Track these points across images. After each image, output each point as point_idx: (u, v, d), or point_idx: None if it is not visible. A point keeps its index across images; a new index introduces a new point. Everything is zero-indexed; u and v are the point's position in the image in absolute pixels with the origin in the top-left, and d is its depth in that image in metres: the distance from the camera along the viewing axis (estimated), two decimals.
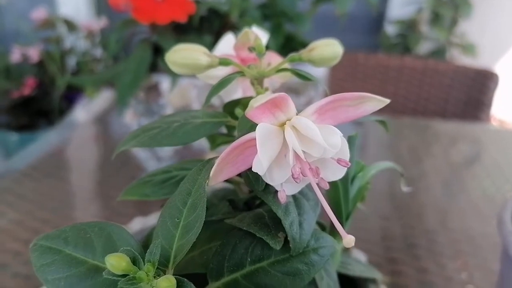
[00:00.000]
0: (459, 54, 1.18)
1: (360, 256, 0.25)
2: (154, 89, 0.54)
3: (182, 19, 0.48)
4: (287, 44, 0.70)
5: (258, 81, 0.19)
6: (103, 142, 0.78)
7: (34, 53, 1.45)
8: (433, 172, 0.67)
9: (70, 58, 1.53)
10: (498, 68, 1.35)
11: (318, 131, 0.14)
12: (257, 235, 0.15)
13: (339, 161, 0.15)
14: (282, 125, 0.15)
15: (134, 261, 0.12)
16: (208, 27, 0.56)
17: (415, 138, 0.80)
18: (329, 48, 0.20)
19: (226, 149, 0.15)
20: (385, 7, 1.42)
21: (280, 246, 0.15)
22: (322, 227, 0.21)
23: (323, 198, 0.15)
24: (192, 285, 0.12)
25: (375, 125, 0.83)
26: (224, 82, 0.17)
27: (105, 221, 0.15)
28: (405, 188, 0.24)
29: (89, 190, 0.60)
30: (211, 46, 0.53)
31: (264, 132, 0.14)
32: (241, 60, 0.21)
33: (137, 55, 0.52)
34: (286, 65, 0.21)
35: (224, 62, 0.19)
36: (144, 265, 0.12)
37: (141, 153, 0.61)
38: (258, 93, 0.19)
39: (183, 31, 0.55)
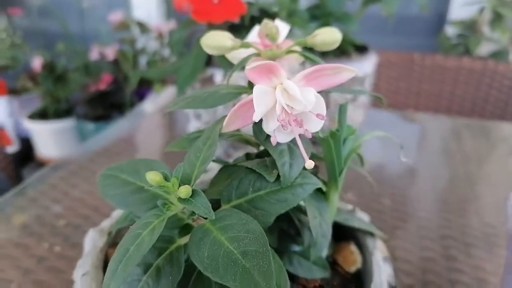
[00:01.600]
0: None
1: (364, 216, 0.29)
2: (209, 81, 0.61)
3: (235, 19, 0.54)
4: None
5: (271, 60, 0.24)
6: (167, 130, 0.87)
7: (110, 52, 1.61)
8: (490, 176, 0.67)
9: (142, 57, 1.68)
10: None
11: (298, 90, 0.19)
12: (257, 171, 0.20)
13: (317, 115, 0.19)
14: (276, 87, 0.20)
15: (166, 178, 0.18)
16: None
17: (473, 140, 0.79)
18: (329, 34, 0.24)
19: (235, 106, 0.20)
20: (446, 8, 1.39)
21: (273, 179, 0.20)
22: (324, 182, 0.25)
23: (300, 143, 0.19)
24: (202, 193, 0.18)
25: (432, 125, 0.84)
26: (244, 60, 0.23)
27: (150, 159, 0.21)
28: (404, 159, 0.28)
29: None
30: None
31: (258, 91, 0.19)
32: (264, 46, 0.26)
33: (196, 51, 0.59)
34: (296, 48, 0.25)
35: (244, 45, 0.24)
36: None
37: None
38: None
39: (236, 30, 0.61)
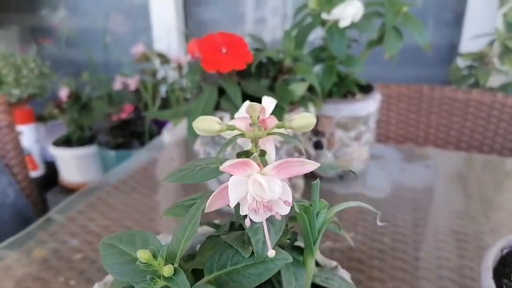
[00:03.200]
0: None
1: (345, 275, 0.32)
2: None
3: (242, 67, 0.58)
4: (341, 83, 0.77)
5: (254, 141, 0.28)
6: (184, 162, 0.92)
7: (132, 82, 1.70)
8: (503, 212, 0.68)
9: (162, 86, 1.75)
10: None
11: (265, 183, 0.22)
12: (234, 247, 0.24)
13: (284, 202, 0.23)
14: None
15: (154, 256, 0.22)
16: (265, 72, 0.66)
17: (488, 177, 0.80)
18: (303, 120, 0.28)
19: (217, 190, 0.24)
20: (459, 38, 1.41)
21: (248, 255, 0.23)
22: (300, 249, 0.29)
23: (265, 224, 0.23)
24: (182, 272, 0.21)
25: (445, 161, 0.85)
26: (230, 141, 0.26)
27: (146, 231, 0.24)
28: (380, 223, 0.30)
29: (167, 204, 0.73)
30: (268, 89, 0.63)
31: (233, 182, 0.22)
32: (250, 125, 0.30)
33: (206, 95, 0.63)
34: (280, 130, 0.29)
35: (230, 128, 0.27)
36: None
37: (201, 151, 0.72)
38: (251, 151, 0.27)
39: (244, 76, 0.65)
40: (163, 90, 1.75)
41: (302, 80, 0.64)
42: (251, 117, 0.27)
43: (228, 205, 0.24)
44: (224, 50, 0.59)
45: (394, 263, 0.56)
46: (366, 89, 0.78)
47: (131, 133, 1.57)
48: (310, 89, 0.71)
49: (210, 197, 0.23)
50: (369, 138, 0.77)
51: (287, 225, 0.30)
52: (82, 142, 1.74)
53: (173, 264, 0.21)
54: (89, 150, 1.70)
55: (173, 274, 0.21)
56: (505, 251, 0.33)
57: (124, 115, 1.57)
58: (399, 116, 1.17)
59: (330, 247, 0.59)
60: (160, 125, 1.68)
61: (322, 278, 0.30)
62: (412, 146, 0.94)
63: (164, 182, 0.27)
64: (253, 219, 0.23)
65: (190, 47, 0.67)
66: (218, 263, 0.23)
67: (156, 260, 0.21)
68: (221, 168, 0.22)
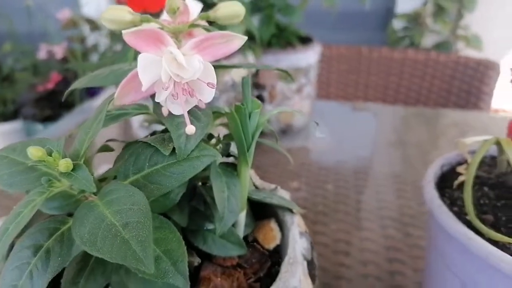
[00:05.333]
0: (464, 47, 1.19)
1: (285, 194, 0.30)
2: None
3: None
4: (281, 34, 0.74)
5: (175, 37, 0.24)
6: (118, 126, 0.85)
7: (59, 51, 1.55)
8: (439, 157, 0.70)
9: (94, 55, 1.62)
10: (505, 61, 1.34)
11: (182, 57, 0.19)
12: (152, 144, 0.20)
13: (208, 84, 0.19)
14: None
15: (50, 154, 0.18)
16: None
17: (423, 127, 0.82)
18: (230, 8, 0.24)
19: (126, 77, 0.20)
20: (394, 2, 1.44)
21: (168, 152, 0.20)
22: (234, 165, 0.26)
23: (187, 114, 0.20)
24: (84, 166, 0.17)
25: (384, 114, 0.86)
26: None
27: (46, 137, 0.20)
28: (319, 135, 0.28)
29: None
30: None
31: (143, 59, 0.19)
32: (171, 23, 0.26)
33: None
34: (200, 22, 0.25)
35: (144, 19, 0.24)
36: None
37: (135, 124, 0.67)
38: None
39: None
40: (94, 58, 1.63)
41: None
42: (166, 11, 0.23)
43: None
44: None
45: (337, 207, 0.56)
46: (306, 41, 0.76)
47: (60, 104, 1.45)
48: (250, 38, 0.68)
49: (119, 88, 0.19)
50: (310, 91, 0.75)
51: (219, 136, 0.27)
52: (5, 117, 1.58)
53: None
54: (14, 125, 1.55)
55: (73, 170, 0.17)
56: (445, 168, 0.33)
57: (50, 85, 1.44)
58: (339, 77, 1.17)
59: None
60: (93, 95, 1.56)
61: (260, 196, 0.27)
62: (353, 102, 0.94)
63: (72, 88, 0.23)
64: (172, 110, 0.20)
65: None
66: (135, 166, 0.19)
67: (52, 157, 0.17)
68: (125, 36, 0.18)
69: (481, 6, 1.17)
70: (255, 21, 0.71)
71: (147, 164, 0.20)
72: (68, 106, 1.46)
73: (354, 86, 1.18)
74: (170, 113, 0.20)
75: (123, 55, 0.57)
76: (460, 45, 1.21)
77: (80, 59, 1.53)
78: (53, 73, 1.50)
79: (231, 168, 0.25)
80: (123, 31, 0.18)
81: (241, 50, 0.57)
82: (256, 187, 0.31)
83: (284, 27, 0.74)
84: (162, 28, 0.24)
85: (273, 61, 0.70)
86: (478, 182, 0.29)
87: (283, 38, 0.74)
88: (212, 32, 0.20)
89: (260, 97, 0.72)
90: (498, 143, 0.27)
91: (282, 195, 0.29)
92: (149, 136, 0.24)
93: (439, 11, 1.11)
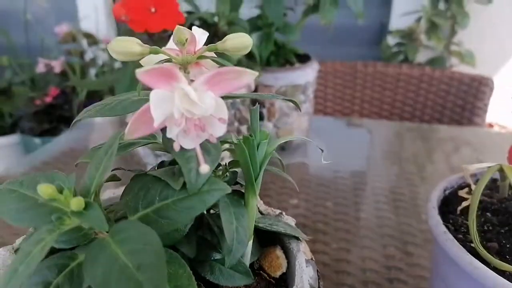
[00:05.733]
0: (458, 63, 1.21)
1: (290, 220, 0.30)
2: None
3: (172, 28, 0.54)
4: (279, 52, 0.75)
5: (183, 68, 0.24)
6: None
7: (57, 65, 1.56)
8: (435, 173, 0.70)
9: (92, 70, 1.63)
10: (499, 76, 1.36)
11: (194, 94, 0.19)
12: (162, 178, 0.20)
13: (219, 119, 0.20)
14: None
15: (60, 191, 0.18)
16: None
17: (419, 142, 0.83)
18: (238, 39, 0.25)
19: (137, 112, 0.20)
20: (388, 18, 1.46)
21: (179, 186, 0.20)
22: (241, 193, 0.26)
23: (199, 148, 0.20)
24: (96, 204, 0.17)
25: (380, 130, 0.87)
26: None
27: (54, 171, 0.20)
28: (325, 161, 0.29)
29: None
30: None
31: (155, 95, 0.19)
32: (179, 53, 0.26)
33: (135, 62, 0.58)
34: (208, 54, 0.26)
35: (153, 51, 0.24)
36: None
37: (141, 151, 0.67)
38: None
39: None
40: (92, 73, 1.63)
41: None
42: (176, 43, 0.24)
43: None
44: (153, 9, 0.54)
45: (337, 225, 0.56)
46: (303, 59, 0.77)
47: (58, 118, 1.45)
48: (249, 56, 0.69)
49: (130, 122, 0.20)
50: (308, 108, 0.76)
51: (226, 165, 0.27)
52: (3, 131, 1.57)
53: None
54: (11, 139, 1.54)
55: (85, 208, 0.17)
56: (447, 192, 0.33)
57: (49, 99, 1.44)
58: (336, 92, 1.19)
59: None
60: None
61: (266, 224, 0.27)
62: (349, 118, 0.95)
63: (77, 119, 0.23)
64: (184, 145, 0.20)
65: (115, 8, 0.61)
66: (144, 200, 0.20)
67: (62, 195, 0.17)
68: (138, 75, 0.18)
69: (473, 22, 1.19)
70: (254, 39, 0.72)
71: (157, 198, 0.20)
72: (66, 120, 1.46)
73: (350, 101, 1.19)
74: (180, 147, 0.21)
75: (123, 74, 0.58)
76: (454, 61, 1.23)
77: (78, 73, 1.53)
78: (51, 87, 1.50)
79: (238, 197, 0.25)
80: (136, 71, 0.19)
81: None
82: (261, 213, 0.31)
83: (282, 45, 0.75)
84: (170, 60, 0.24)
85: (272, 80, 0.70)
86: (481, 207, 0.30)
87: (281, 56, 0.75)
88: (223, 68, 0.20)
89: (260, 114, 0.73)
90: (501, 170, 0.28)
91: (287, 221, 0.30)
92: (157, 168, 0.24)
93: (433, 27, 1.13)
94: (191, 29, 0.60)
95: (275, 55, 0.74)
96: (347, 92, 1.19)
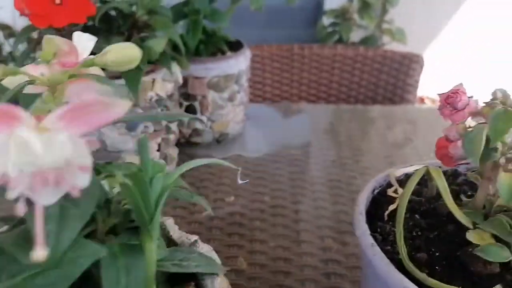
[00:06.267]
0: (390, 40, 1.24)
1: (205, 249, 0.28)
2: None
3: (81, 21, 0.48)
4: (209, 40, 0.72)
5: (51, 90, 0.21)
6: None
7: None
8: (370, 155, 0.71)
9: (10, 64, 1.48)
10: (429, 51, 1.42)
11: (36, 141, 0.15)
12: (7, 251, 0.16)
13: (80, 167, 0.16)
14: None
15: None
16: (117, 29, 0.57)
17: (354, 124, 0.83)
18: (122, 52, 0.22)
19: None
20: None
21: (29, 261, 0.15)
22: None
23: (40, 218, 0.15)
24: None
25: (317, 114, 0.87)
26: (10, 93, 0.19)
27: None
28: (240, 181, 0.27)
29: None
30: None
31: None
32: (63, 66, 0.22)
33: None
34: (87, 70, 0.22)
35: (13, 71, 0.20)
36: None
37: None
38: (47, 101, 0.20)
39: (92, 33, 0.55)
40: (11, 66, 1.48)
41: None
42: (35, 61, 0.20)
43: None
44: (57, 1, 0.48)
45: (275, 220, 0.55)
46: (235, 47, 0.74)
47: None
48: (176, 48, 0.65)
49: None
50: (243, 98, 0.74)
51: (119, 202, 0.23)
52: None
53: None
54: None
55: None
56: (376, 191, 0.32)
57: None
58: (274, 76, 1.17)
59: (209, 215, 0.56)
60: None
61: (175, 261, 0.24)
62: (287, 103, 0.94)
63: None
64: (38, 201, 0.16)
65: (16, 1, 0.54)
66: None
67: None
68: None
69: (403, 0, 1.22)
70: (180, 28, 0.68)
71: (3, 276, 0.15)
72: None
73: (289, 85, 1.18)
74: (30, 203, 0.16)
75: None
76: (386, 39, 1.26)
77: None
78: None
79: (136, 238, 0.22)
80: None
81: (165, 60, 0.53)
82: (174, 242, 0.29)
83: (212, 33, 0.72)
84: (33, 82, 0.20)
85: (203, 71, 0.67)
86: (409, 207, 0.29)
87: (211, 45, 0.71)
88: (86, 100, 0.16)
89: (191, 108, 0.69)
90: (428, 173, 0.27)
91: (203, 251, 0.27)
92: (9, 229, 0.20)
93: (365, 6, 1.14)
94: (107, 22, 0.53)
95: (205, 44, 0.71)
96: (285, 76, 1.18)
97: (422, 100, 1.42)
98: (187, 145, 0.72)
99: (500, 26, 1.60)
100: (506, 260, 0.23)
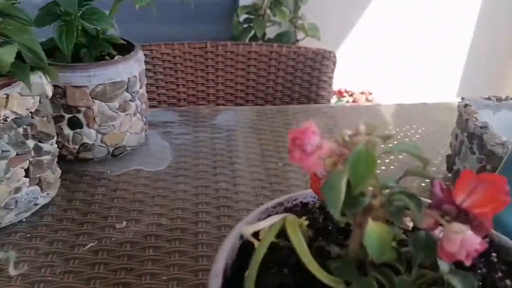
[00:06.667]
0: (304, 36, 1.22)
1: None
2: None
3: None
4: (92, 44, 0.63)
5: None
6: None
7: None
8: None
9: None
10: (343, 46, 1.43)
11: None
12: None
13: None
14: None
15: None
16: None
17: (272, 127, 0.79)
18: None
19: None
20: None
21: None
22: None
23: None
24: None
25: (232, 117, 0.81)
26: None
27: None
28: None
29: None
30: None
31: None
32: None
33: None
34: None
35: None
36: None
37: None
38: None
39: None
40: None
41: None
42: None
43: None
44: None
45: (172, 247, 0.49)
46: (126, 49, 0.66)
47: None
48: (51, 52, 0.56)
49: None
50: (139, 106, 0.66)
51: None
52: None
53: None
54: None
55: None
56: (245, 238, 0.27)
57: None
58: (187, 76, 1.10)
59: (93, 247, 0.48)
60: None
61: None
62: (196, 107, 0.88)
63: None
64: None
65: None
66: None
67: None
68: None
69: None
70: (53, 31, 0.58)
71: None
72: None
73: (204, 85, 1.12)
74: None
75: None
76: (300, 35, 1.24)
77: None
78: None
79: None
80: None
81: (20, 74, 0.44)
82: None
83: (95, 35, 0.63)
84: None
85: (83, 78, 0.58)
86: (278, 259, 0.24)
87: (95, 48, 0.62)
88: None
89: (75, 121, 0.60)
90: (283, 226, 0.22)
91: None
92: None
93: (276, 2, 1.11)
94: None
95: (87, 47, 0.62)
96: (199, 75, 1.11)
97: (340, 93, 1.43)
98: (77, 162, 0.63)
99: (413, 20, 1.67)
100: None
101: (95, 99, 0.59)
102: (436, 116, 0.81)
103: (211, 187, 0.60)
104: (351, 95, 1.48)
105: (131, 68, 0.62)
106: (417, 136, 0.76)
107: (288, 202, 0.31)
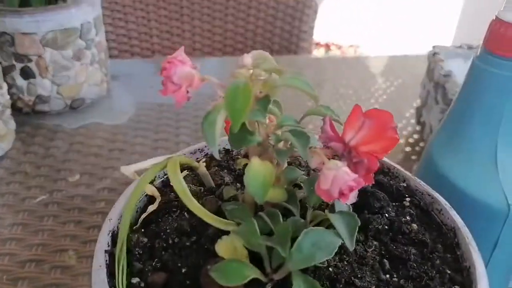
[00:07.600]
0: None
1: None
2: None
3: None
4: None
5: None
6: None
7: None
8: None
9: None
10: None
11: None
12: None
13: None
14: None
15: None
16: None
17: None
18: None
19: None
20: None
21: None
22: None
23: None
24: None
25: (207, 68, 0.78)
26: None
27: None
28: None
29: None
30: None
31: None
32: None
33: None
34: None
35: None
36: None
37: None
38: None
39: None
40: None
41: None
42: None
43: None
44: None
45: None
46: None
47: None
48: None
49: None
50: (96, 55, 0.62)
51: None
52: None
53: None
54: None
55: None
56: (116, 230, 0.24)
57: None
58: (162, 26, 1.05)
59: (44, 200, 0.47)
60: None
61: None
62: (163, 58, 0.84)
63: None
64: None
65: None
66: None
67: None
68: None
69: None
70: None
71: None
72: None
73: (181, 35, 1.07)
74: None
75: None
76: None
77: None
78: None
79: None
80: None
81: None
82: None
83: None
84: None
85: (32, 24, 0.55)
86: (178, 204, 0.23)
87: None
88: None
89: (27, 71, 0.57)
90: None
91: None
92: None
93: None
94: None
95: None
96: (175, 25, 1.06)
97: (327, 46, 1.39)
98: (34, 115, 0.61)
99: None
100: (246, 281, 0.18)
101: (46, 46, 0.56)
102: (415, 69, 0.78)
103: (171, 140, 0.59)
104: (339, 48, 1.43)
105: (84, 14, 0.58)
106: (392, 88, 0.73)
107: (208, 148, 0.29)
